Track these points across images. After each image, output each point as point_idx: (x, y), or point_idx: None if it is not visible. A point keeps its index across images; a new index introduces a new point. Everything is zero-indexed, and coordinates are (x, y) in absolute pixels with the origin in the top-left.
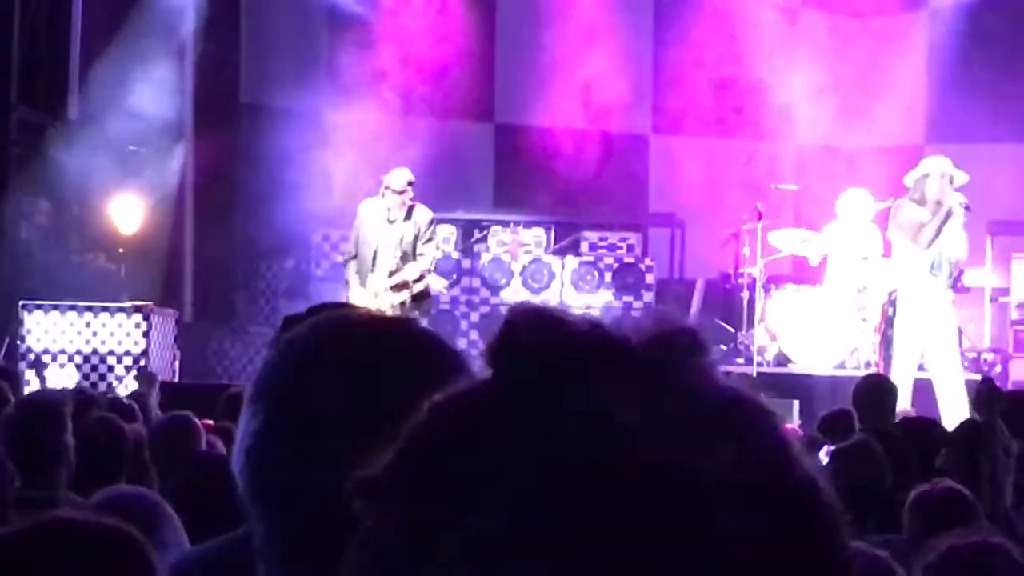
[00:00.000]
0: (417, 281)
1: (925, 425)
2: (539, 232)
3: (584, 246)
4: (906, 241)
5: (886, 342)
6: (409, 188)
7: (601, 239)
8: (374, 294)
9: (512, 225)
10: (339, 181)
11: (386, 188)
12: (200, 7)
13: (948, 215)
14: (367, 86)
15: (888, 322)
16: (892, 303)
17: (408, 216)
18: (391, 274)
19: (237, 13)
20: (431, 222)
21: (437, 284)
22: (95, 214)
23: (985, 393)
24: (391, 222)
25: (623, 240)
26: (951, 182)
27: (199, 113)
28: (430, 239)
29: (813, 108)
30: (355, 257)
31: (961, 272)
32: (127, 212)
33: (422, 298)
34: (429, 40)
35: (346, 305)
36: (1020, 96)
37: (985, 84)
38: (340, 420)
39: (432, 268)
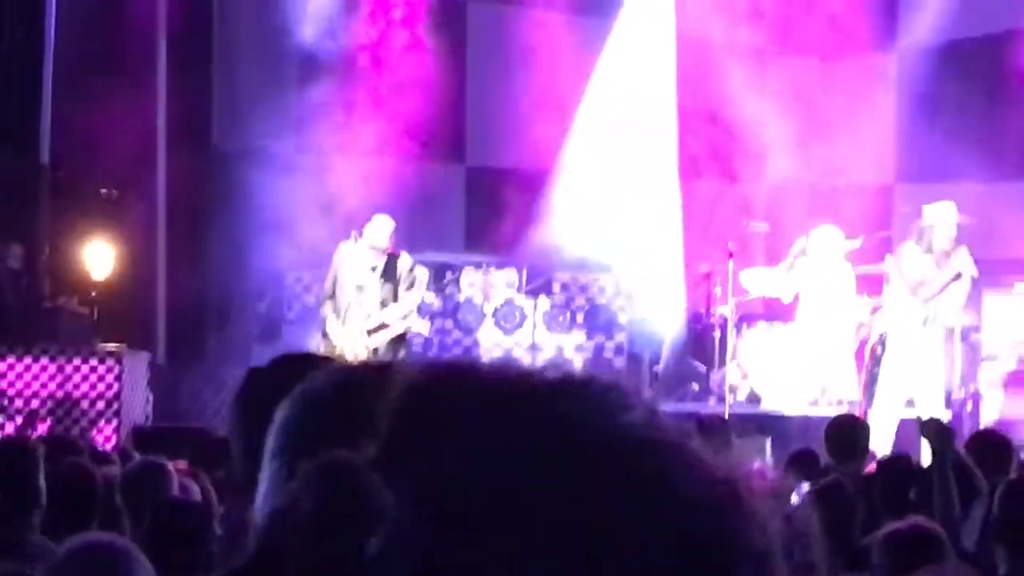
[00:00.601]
0: (402, 320)
1: (900, 463)
2: (511, 273)
3: (556, 287)
4: (904, 287)
5: (871, 380)
6: (391, 238)
7: (573, 280)
8: (350, 336)
9: (484, 266)
10: (311, 224)
11: (372, 247)
12: (172, 52)
13: (957, 278)
14: (338, 130)
15: (876, 361)
16: (883, 343)
17: (389, 264)
18: (369, 318)
19: (209, 58)
20: (412, 269)
21: (420, 326)
22: (67, 258)
23: (934, 431)
24: (372, 269)
25: (594, 280)
26: (956, 228)
27: (171, 156)
28: (412, 285)
29: (784, 148)
30: (332, 297)
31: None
32: (99, 256)
33: (398, 341)
34: (400, 83)
35: (313, 355)
36: (988, 136)
37: (954, 124)
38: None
39: (414, 312)
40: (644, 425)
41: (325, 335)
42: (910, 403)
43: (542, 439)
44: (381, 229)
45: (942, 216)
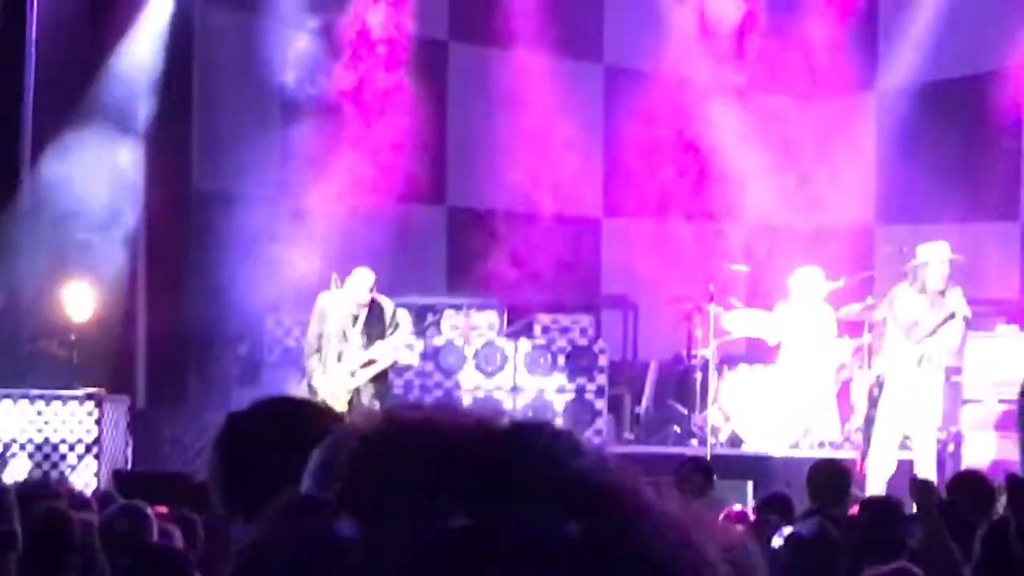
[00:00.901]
0: (392, 352)
1: (883, 505)
2: (491, 315)
3: (537, 329)
4: (897, 329)
5: (868, 422)
6: (372, 290)
7: (554, 322)
8: (335, 387)
9: (465, 308)
10: (291, 266)
11: (355, 303)
12: (153, 94)
13: (950, 318)
14: (319, 172)
15: (873, 403)
16: (879, 385)
17: (372, 312)
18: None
19: (190, 100)
20: (394, 313)
21: (409, 358)
22: (47, 301)
23: (916, 490)
24: (355, 317)
25: (576, 322)
26: (949, 267)
27: (151, 199)
28: (396, 328)
29: (764, 189)
30: (318, 350)
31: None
32: (79, 299)
33: (382, 381)
34: (381, 125)
35: (293, 399)
36: (968, 176)
37: (933, 164)
38: None
39: (402, 346)
40: (595, 470)
41: (311, 388)
42: (906, 445)
43: (504, 484)
44: (361, 283)
45: (935, 255)
